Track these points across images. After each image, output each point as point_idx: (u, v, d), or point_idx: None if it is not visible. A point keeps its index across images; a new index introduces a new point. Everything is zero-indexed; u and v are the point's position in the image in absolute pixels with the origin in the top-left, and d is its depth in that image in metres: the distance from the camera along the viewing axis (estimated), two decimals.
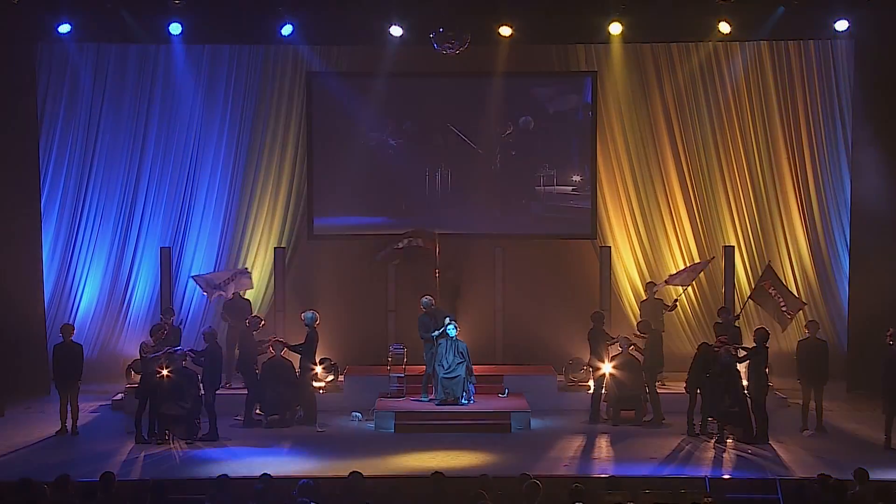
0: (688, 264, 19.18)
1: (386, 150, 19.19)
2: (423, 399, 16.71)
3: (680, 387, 16.49)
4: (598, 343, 16.57)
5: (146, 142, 19.18)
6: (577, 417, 16.49)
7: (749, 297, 17.70)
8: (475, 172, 19.11)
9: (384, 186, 19.19)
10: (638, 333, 16.78)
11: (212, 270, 18.82)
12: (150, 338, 16.00)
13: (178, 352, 15.64)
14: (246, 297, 18.27)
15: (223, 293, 17.84)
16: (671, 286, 18.24)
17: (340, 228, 19.22)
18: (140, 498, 11.25)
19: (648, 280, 18.71)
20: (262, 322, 17.09)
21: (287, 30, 17.98)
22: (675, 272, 18.54)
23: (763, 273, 17.45)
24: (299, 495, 10.83)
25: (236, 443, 15.30)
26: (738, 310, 17.81)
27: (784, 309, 16.87)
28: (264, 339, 16.83)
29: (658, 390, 16.59)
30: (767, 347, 15.55)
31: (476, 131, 19.16)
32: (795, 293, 18.06)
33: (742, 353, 15.52)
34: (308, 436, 15.67)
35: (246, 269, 18.53)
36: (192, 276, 18.30)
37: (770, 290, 17.00)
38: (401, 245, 18.22)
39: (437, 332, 16.63)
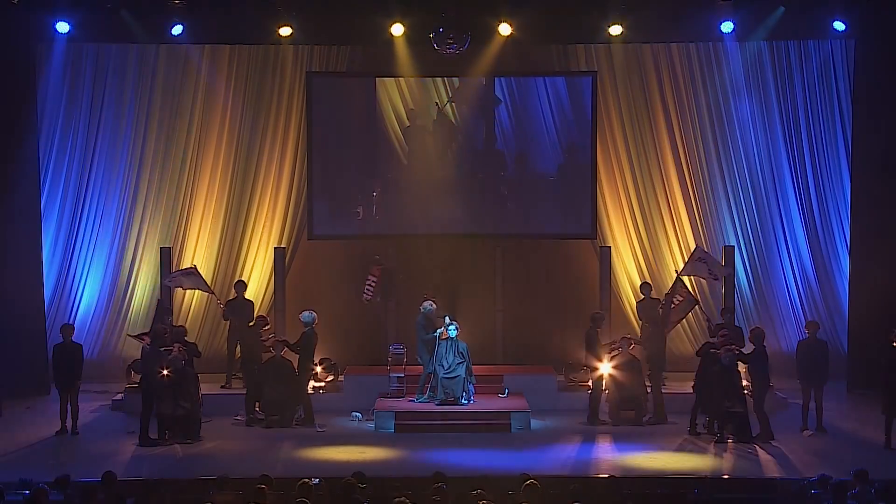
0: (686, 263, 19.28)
1: (386, 149, 19.17)
2: (418, 399, 16.72)
3: (680, 387, 16.52)
4: (594, 344, 16.56)
5: (146, 142, 19.18)
6: (577, 417, 16.47)
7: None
8: (475, 173, 19.10)
9: (384, 186, 19.16)
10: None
11: (212, 270, 18.94)
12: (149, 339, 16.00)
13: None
14: (248, 297, 18.29)
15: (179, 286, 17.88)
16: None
17: (340, 229, 19.20)
18: (139, 498, 11.24)
19: (645, 280, 18.68)
20: (268, 325, 17.15)
21: (285, 31, 17.98)
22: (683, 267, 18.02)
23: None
24: (298, 495, 10.83)
25: (236, 443, 15.31)
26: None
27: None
28: (266, 336, 16.85)
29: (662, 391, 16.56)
30: (765, 346, 15.57)
31: (476, 131, 19.14)
32: (792, 296, 18.07)
33: (744, 355, 15.51)
34: (308, 436, 15.68)
35: (193, 267, 18.11)
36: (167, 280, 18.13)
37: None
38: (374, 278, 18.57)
39: (437, 333, 16.64)
